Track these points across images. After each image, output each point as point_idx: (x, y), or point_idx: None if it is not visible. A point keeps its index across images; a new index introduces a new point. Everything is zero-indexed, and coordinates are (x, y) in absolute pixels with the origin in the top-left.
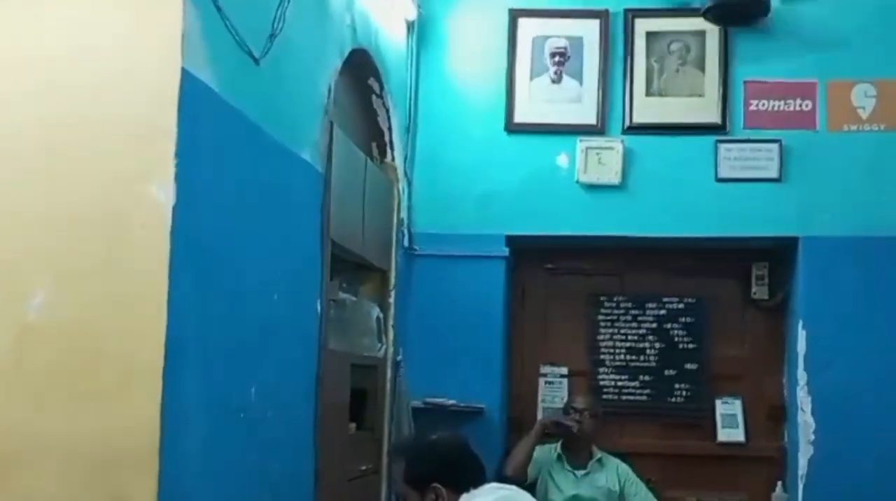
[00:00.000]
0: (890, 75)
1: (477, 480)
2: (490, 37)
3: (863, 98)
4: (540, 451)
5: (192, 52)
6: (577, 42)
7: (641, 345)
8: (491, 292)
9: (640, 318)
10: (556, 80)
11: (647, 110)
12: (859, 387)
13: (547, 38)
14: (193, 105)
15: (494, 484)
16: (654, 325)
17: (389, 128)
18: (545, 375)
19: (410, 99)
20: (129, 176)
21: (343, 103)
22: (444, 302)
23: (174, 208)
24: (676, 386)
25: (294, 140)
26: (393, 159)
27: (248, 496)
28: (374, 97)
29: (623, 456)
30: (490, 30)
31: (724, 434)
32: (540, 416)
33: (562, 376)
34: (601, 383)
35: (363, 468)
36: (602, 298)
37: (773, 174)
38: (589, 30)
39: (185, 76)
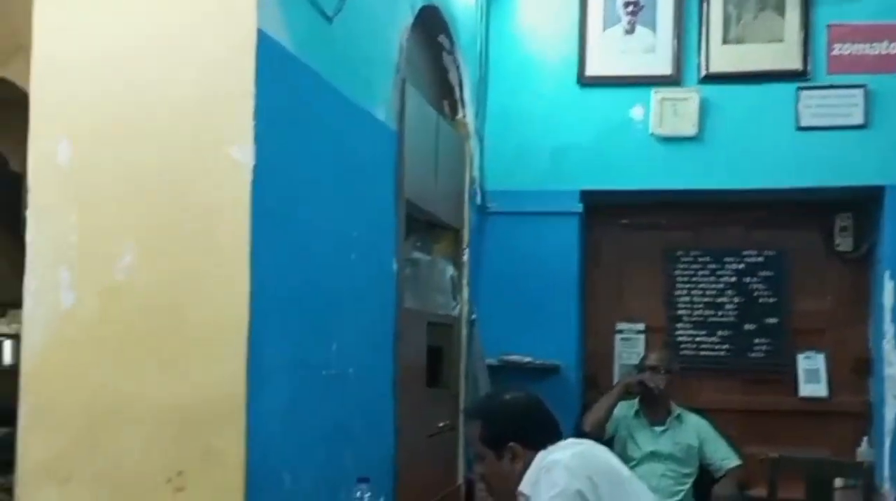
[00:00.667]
0: None
1: (552, 437)
2: None
3: None
4: (619, 407)
5: (267, 12)
6: None
7: (720, 300)
8: (565, 249)
9: (718, 272)
10: (630, 30)
11: (724, 58)
12: None
13: None
14: (270, 66)
15: (571, 440)
16: (733, 279)
17: (460, 85)
18: (621, 331)
19: (481, 54)
20: (210, 138)
21: (414, 61)
22: (517, 259)
23: (254, 169)
24: (756, 340)
25: (367, 99)
26: (464, 116)
27: (331, 449)
28: (444, 54)
29: (702, 413)
30: None
31: (806, 390)
32: (616, 372)
33: (638, 332)
34: (679, 339)
35: (440, 424)
36: (678, 253)
37: (858, 121)
38: None
39: (261, 37)
